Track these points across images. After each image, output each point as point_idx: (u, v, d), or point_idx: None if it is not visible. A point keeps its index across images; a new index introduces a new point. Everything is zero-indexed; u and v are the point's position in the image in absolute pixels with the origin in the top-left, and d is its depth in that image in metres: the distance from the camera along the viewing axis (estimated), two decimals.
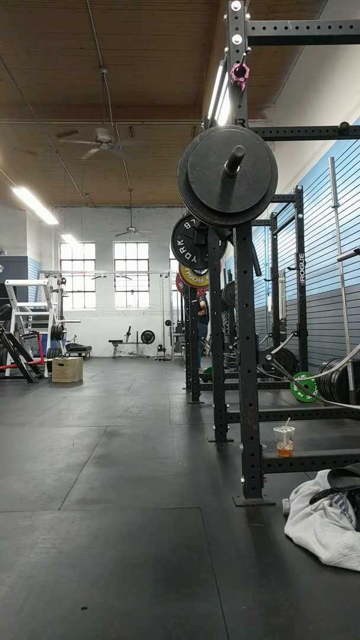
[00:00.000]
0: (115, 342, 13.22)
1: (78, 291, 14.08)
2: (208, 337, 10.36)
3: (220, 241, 3.41)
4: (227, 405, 3.19)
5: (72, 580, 1.45)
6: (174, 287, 11.55)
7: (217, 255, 3.39)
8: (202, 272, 4.85)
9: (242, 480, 2.07)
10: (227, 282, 9.92)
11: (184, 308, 8.80)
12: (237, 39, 2.08)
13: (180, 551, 1.64)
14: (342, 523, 1.65)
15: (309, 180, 6.42)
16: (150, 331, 13.79)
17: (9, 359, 7.36)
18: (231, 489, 2.24)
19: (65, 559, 1.59)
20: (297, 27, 2.12)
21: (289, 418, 2.65)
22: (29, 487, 2.33)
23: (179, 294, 10.96)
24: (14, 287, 7.82)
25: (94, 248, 14.16)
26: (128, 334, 13.64)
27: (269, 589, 1.39)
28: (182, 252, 4.12)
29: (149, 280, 14.26)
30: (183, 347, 10.75)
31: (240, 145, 1.79)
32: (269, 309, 7.55)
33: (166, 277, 13.68)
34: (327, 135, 3.06)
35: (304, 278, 5.13)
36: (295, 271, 5.31)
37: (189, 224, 4.08)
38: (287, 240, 7.28)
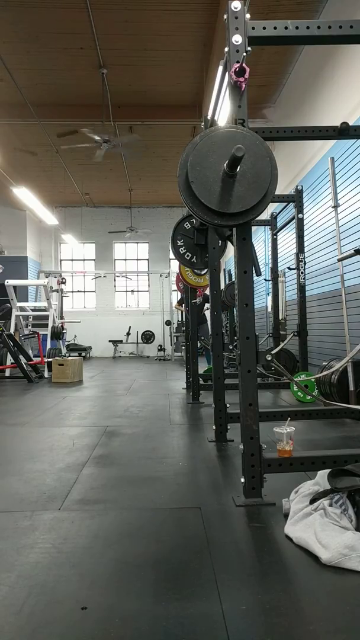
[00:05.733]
0: (115, 342, 13.21)
1: (78, 291, 14.08)
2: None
3: (220, 241, 3.41)
4: (227, 405, 3.18)
5: (72, 580, 1.45)
6: (174, 287, 11.55)
7: (217, 255, 3.39)
8: (202, 272, 4.86)
9: (242, 480, 2.07)
10: (227, 282, 9.92)
11: (184, 308, 8.80)
12: (237, 39, 2.08)
13: (180, 551, 1.64)
14: (342, 523, 1.65)
15: (309, 180, 6.42)
16: (150, 331, 13.79)
17: (9, 359, 7.36)
18: (231, 489, 2.24)
19: (65, 559, 1.59)
20: (297, 27, 2.12)
21: (289, 418, 2.65)
22: (29, 487, 2.33)
23: (179, 294, 10.97)
24: (14, 287, 7.82)
25: (94, 248, 14.16)
26: (128, 334, 13.64)
27: (269, 589, 1.39)
28: (182, 252, 4.12)
29: (149, 280, 14.25)
30: (183, 347, 10.75)
31: (240, 145, 1.79)
32: (269, 309, 7.55)
33: (166, 277, 13.68)
34: (327, 135, 3.06)
35: (304, 278, 5.13)
36: (295, 271, 5.31)
37: (189, 224, 4.08)
38: (287, 240, 7.28)
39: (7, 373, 7.39)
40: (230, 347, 7.46)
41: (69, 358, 7.23)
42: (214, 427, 3.23)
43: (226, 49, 2.10)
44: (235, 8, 2.07)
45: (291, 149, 7.29)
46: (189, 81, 7.24)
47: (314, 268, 6.15)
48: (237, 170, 1.90)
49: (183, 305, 8.25)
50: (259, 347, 2.10)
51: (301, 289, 5.11)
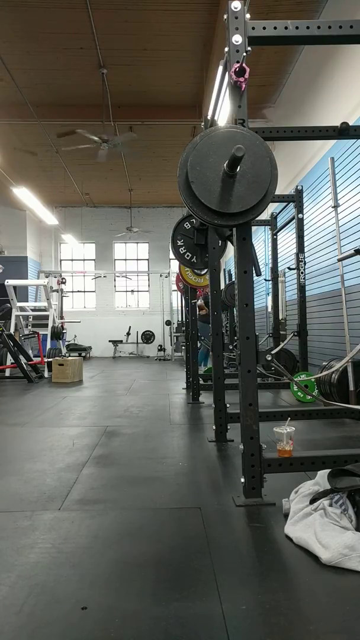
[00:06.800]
0: (115, 342, 13.21)
1: (78, 291, 14.08)
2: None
3: (220, 241, 3.40)
4: (227, 405, 3.18)
5: (72, 580, 1.45)
6: (174, 287, 11.55)
7: (217, 255, 3.39)
8: (202, 272, 4.85)
9: (242, 480, 2.07)
10: (227, 282, 9.91)
11: (184, 308, 8.79)
12: (237, 39, 2.08)
13: (181, 551, 1.64)
14: (342, 523, 1.65)
15: (309, 180, 6.42)
16: (150, 331, 13.79)
17: (9, 359, 7.36)
18: (231, 489, 2.24)
19: (65, 559, 1.59)
20: (297, 27, 2.11)
21: (289, 418, 2.65)
22: (29, 487, 2.33)
23: (179, 294, 10.96)
24: (14, 287, 7.82)
25: (94, 248, 14.16)
26: (128, 334, 13.64)
27: (269, 589, 1.39)
28: (182, 252, 4.12)
29: (149, 280, 14.25)
30: (183, 347, 10.75)
31: (240, 145, 1.79)
32: (269, 309, 7.55)
33: (166, 277, 13.67)
34: (327, 135, 3.06)
35: (304, 278, 5.13)
36: (295, 271, 5.30)
37: (189, 224, 4.07)
38: (287, 240, 7.28)
39: (7, 373, 7.39)
40: (230, 347, 7.46)
41: (69, 358, 7.23)
42: (214, 427, 3.23)
43: (226, 49, 2.10)
44: (235, 8, 2.07)
45: (291, 149, 7.29)
46: (189, 81, 7.24)
47: (314, 268, 6.15)
48: (237, 170, 1.90)
49: (203, 307, 7.77)
50: (259, 347, 2.10)
51: (301, 289, 5.11)
